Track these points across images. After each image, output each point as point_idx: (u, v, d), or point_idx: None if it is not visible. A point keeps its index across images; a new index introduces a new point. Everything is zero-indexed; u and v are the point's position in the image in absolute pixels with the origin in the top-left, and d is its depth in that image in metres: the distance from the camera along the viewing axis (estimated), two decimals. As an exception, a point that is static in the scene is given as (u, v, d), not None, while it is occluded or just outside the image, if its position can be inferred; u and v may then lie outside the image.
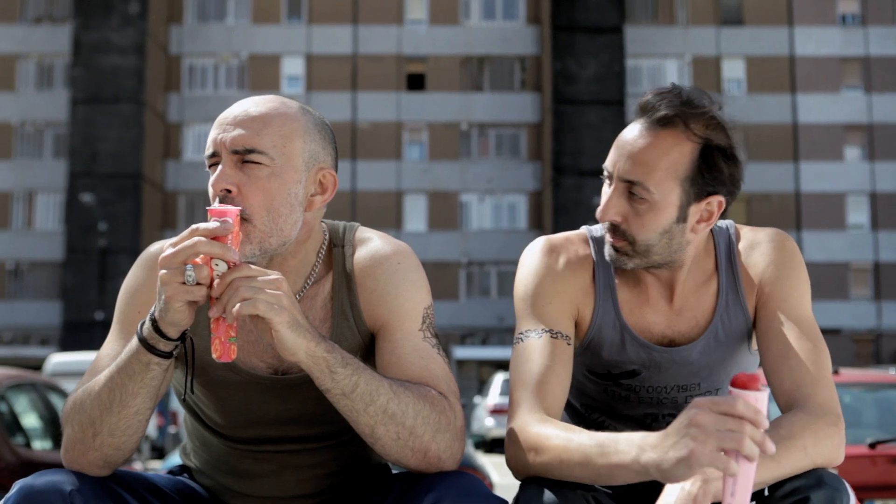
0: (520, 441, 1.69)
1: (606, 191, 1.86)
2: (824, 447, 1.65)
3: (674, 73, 39.88)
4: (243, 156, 1.68)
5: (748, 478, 1.40)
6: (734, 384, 1.40)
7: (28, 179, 39.41)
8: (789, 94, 40.03)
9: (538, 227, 39.92)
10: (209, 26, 41.47)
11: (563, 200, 37.93)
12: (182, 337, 1.60)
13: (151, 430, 17.99)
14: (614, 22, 39.32)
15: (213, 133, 1.71)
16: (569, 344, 1.83)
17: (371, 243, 1.82)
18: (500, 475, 12.12)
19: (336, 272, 1.80)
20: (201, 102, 40.54)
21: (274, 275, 1.55)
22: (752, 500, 1.53)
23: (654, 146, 1.79)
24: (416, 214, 40.41)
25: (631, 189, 1.81)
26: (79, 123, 38.28)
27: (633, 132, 1.82)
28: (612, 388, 1.97)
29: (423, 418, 1.61)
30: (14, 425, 6.57)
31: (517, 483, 1.71)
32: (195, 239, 1.51)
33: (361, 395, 1.58)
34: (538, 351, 1.80)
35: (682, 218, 1.82)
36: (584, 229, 2.00)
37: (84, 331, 35.86)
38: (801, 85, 40.03)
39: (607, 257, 1.88)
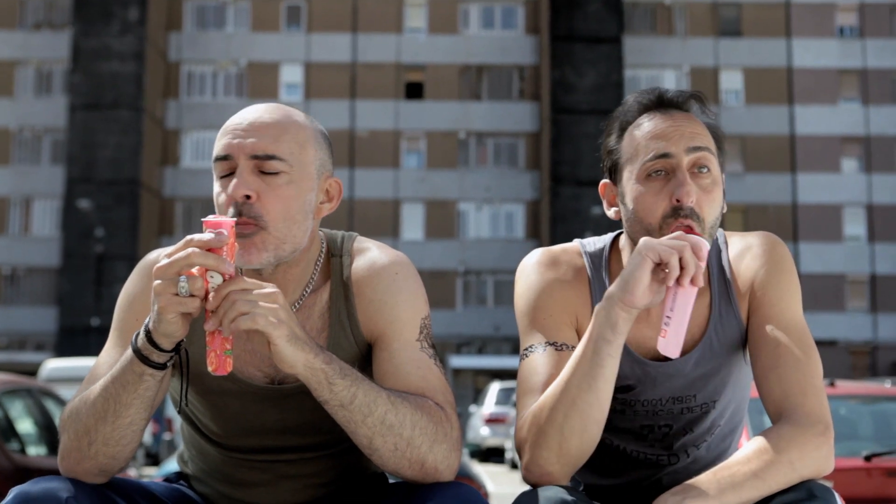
0: (527, 442, 1.70)
1: (673, 181, 1.77)
2: (812, 459, 1.64)
3: (672, 84, 39.90)
4: (263, 162, 1.67)
5: (687, 301, 1.63)
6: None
7: (25, 185, 39.37)
8: (787, 106, 40.09)
9: (535, 236, 39.91)
10: (208, 33, 41.50)
11: (560, 210, 37.95)
12: (177, 348, 1.59)
13: (146, 436, 17.92)
14: (613, 32, 39.41)
15: (226, 139, 1.70)
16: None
17: (369, 253, 1.82)
18: (495, 485, 12.08)
19: (334, 281, 1.80)
20: (200, 109, 40.54)
21: (270, 287, 1.54)
22: None
23: (697, 122, 1.83)
24: (413, 223, 40.39)
25: (698, 165, 1.78)
26: (77, 129, 38.28)
27: (666, 119, 1.82)
28: None
29: (420, 429, 1.61)
30: (9, 431, 6.55)
31: (513, 493, 1.72)
32: (189, 250, 1.50)
33: (359, 406, 1.58)
34: (543, 364, 1.80)
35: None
36: (576, 243, 1.98)
37: (80, 337, 35.82)
38: (799, 96, 40.09)
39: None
